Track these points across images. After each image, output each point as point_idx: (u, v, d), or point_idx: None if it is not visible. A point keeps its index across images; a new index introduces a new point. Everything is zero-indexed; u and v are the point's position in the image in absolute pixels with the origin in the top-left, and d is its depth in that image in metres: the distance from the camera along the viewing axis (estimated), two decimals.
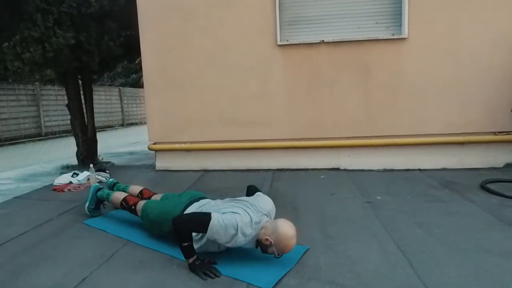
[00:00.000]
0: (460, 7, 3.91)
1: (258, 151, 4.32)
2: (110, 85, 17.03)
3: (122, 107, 15.60)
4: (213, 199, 2.40)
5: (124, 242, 2.37)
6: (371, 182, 3.69)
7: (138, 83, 18.75)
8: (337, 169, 4.29)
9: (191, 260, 1.95)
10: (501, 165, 4.07)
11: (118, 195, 2.67)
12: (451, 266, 1.94)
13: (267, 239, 1.92)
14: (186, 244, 1.93)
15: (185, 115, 4.40)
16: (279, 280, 1.82)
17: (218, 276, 1.88)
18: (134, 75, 19.05)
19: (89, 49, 4.65)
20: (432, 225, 2.52)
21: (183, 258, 2.04)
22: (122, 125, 15.58)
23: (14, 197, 3.62)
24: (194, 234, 2.02)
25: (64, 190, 3.72)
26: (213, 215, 1.91)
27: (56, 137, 11.47)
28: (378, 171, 4.17)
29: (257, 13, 4.14)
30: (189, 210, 2.22)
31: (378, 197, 3.17)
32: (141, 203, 2.47)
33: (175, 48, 4.30)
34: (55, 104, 11.58)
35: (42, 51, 4.26)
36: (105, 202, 2.87)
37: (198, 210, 2.18)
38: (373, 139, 4.14)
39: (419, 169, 4.13)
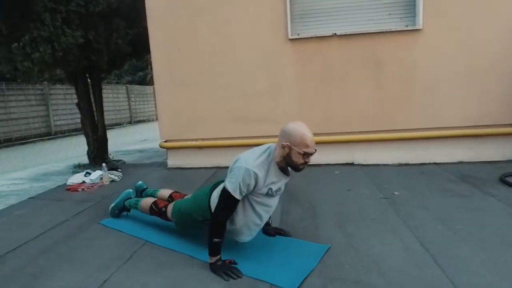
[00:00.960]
0: None
1: None
2: (117, 83, 17.04)
3: (129, 104, 15.63)
4: None
5: (142, 243, 2.35)
6: (386, 177, 3.62)
7: (145, 81, 18.79)
8: (351, 164, 4.23)
9: (214, 260, 1.92)
10: None
11: (148, 200, 2.55)
12: (479, 264, 1.89)
13: (283, 146, 1.83)
14: (217, 240, 1.89)
15: (196, 113, 4.37)
16: (303, 280, 1.79)
17: (240, 277, 1.85)
18: (140, 73, 19.06)
19: (98, 47, 4.63)
20: (454, 221, 2.46)
21: (202, 258, 2.03)
22: (130, 122, 15.63)
23: (28, 198, 3.63)
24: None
25: (78, 189, 3.71)
26: (227, 186, 1.84)
27: (66, 136, 11.54)
28: (393, 165, 4.10)
29: (266, 6, 4.07)
30: (215, 194, 2.07)
31: (395, 193, 3.11)
32: (171, 204, 2.36)
33: (184, 45, 4.26)
34: (63, 103, 11.64)
35: (51, 51, 4.25)
36: (129, 212, 2.81)
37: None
38: (387, 133, 4.07)
39: (435, 163, 4.05)
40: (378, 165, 4.14)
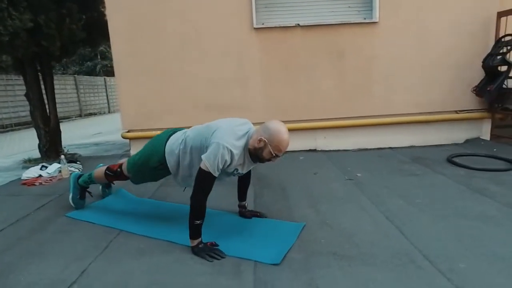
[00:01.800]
0: None
1: None
2: (63, 73, 15.95)
3: (78, 96, 14.70)
4: None
5: (116, 232, 2.29)
6: (348, 161, 3.84)
7: (94, 71, 17.77)
8: (314, 150, 4.42)
9: (195, 242, 1.95)
10: (462, 141, 4.42)
11: (100, 169, 2.57)
12: (437, 231, 2.12)
13: (260, 140, 1.90)
14: (198, 222, 1.92)
15: (160, 101, 4.27)
16: (285, 256, 1.88)
17: (223, 257, 1.89)
18: (89, 63, 18.00)
19: (49, 32, 4.32)
20: (412, 196, 2.70)
21: (182, 242, 2.04)
22: (80, 115, 14.73)
23: None
24: None
25: (35, 183, 3.48)
26: (203, 162, 1.88)
27: (8, 131, 10.61)
28: (353, 150, 4.35)
29: None
30: (172, 140, 2.19)
31: (358, 175, 3.33)
32: (124, 162, 2.42)
33: (147, 32, 4.12)
34: (4, 95, 10.65)
35: None
36: (90, 191, 2.75)
37: (182, 139, 2.14)
38: (347, 120, 4.30)
39: (390, 147, 4.37)
40: (339, 150, 4.37)
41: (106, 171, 2.50)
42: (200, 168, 1.90)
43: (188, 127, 4.18)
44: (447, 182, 3.03)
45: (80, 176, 2.70)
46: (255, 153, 1.97)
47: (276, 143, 1.89)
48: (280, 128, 1.90)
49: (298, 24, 4.08)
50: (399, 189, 2.87)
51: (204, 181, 1.91)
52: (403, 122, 4.30)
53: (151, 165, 2.23)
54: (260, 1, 4.10)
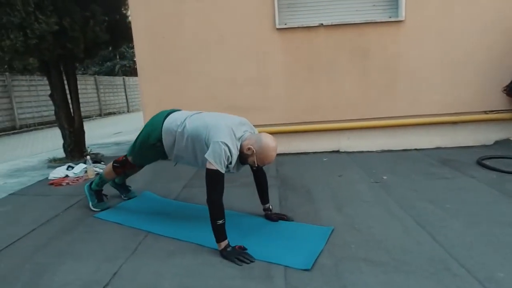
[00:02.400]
0: None
1: None
2: (83, 73, 16.31)
3: (98, 96, 15.01)
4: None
5: (144, 234, 2.31)
6: (373, 163, 3.77)
7: (113, 71, 18.11)
8: (337, 151, 4.36)
9: (223, 245, 1.95)
10: (491, 143, 4.27)
11: (107, 166, 2.73)
12: (471, 238, 2.05)
13: (249, 148, 2.02)
14: (220, 221, 1.93)
15: (181, 101, 4.27)
16: (315, 261, 1.85)
17: (252, 261, 1.88)
18: (108, 63, 18.35)
19: (73, 35, 4.40)
20: (442, 201, 2.62)
21: (210, 245, 2.04)
22: (100, 115, 15.03)
23: (9, 194, 3.43)
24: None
25: (62, 183, 3.57)
26: (212, 164, 1.96)
27: (32, 130, 10.91)
28: (377, 152, 4.27)
29: None
30: (169, 119, 2.32)
31: (384, 177, 3.26)
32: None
33: (169, 32, 4.15)
34: (28, 96, 10.97)
35: (23, 38, 4.00)
36: (105, 193, 2.86)
37: (180, 123, 2.25)
38: (371, 121, 4.22)
39: (416, 149, 4.27)
40: (363, 152, 4.29)
41: (113, 164, 2.64)
42: (207, 169, 1.98)
43: None
44: (478, 185, 2.93)
45: (91, 183, 2.82)
46: (241, 155, 2.09)
47: (262, 156, 2.02)
48: (270, 145, 2.01)
49: (322, 24, 4.02)
50: (428, 193, 2.80)
51: (214, 180, 1.98)
52: (429, 123, 4.19)
53: (150, 142, 2.37)
54: (282, 1, 4.07)
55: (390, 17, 4.04)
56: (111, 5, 5.04)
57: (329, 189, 3.01)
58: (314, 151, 4.32)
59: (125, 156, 2.60)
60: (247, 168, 2.35)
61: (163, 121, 2.33)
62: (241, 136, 2.08)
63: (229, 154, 1.99)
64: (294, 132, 4.28)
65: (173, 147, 2.30)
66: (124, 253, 2.07)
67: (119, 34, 5.22)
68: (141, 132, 2.48)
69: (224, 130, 2.04)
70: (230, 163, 2.03)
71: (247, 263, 1.87)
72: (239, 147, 2.06)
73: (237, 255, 1.91)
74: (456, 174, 3.27)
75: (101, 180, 2.77)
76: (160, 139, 2.31)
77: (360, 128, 4.24)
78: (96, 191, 2.80)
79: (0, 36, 3.97)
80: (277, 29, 4.06)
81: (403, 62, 4.12)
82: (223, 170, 1.98)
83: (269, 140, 2.02)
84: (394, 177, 3.24)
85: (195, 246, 2.10)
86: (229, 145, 1.98)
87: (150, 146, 2.38)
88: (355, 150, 4.31)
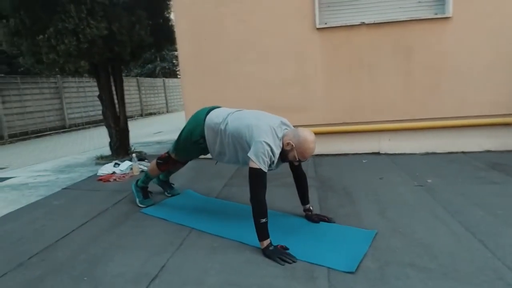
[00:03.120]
0: None
1: None
2: (126, 75, 17.06)
3: (140, 97, 15.66)
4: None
5: (188, 230, 2.40)
6: (415, 166, 3.65)
7: (154, 73, 18.82)
8: (377, 153, 4.25)
9: (265, 244, 1.97)
10: None
11: (152, 164, 2.85)
12: None
13: (288, 143, 2.07)
14: (263, 220, 1.97)
15: (222, 102, 4.34)
16: (359, 264, 1.83)
17: (295, 261, 1.89)
18: (149, 65, 19.10)
19: (121, 39, 4.64)
20: (493, 206, 2.49)
21: (252, 243, 2.07)
22: (141, 115, 15.67)
23: (63, 188, 3.70)
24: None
25: (110, 180, 3.77)
26: (255, 163, 2.00)
27: (79, 129, 11.62)
28: (420, 154, 4.12)
29: None
30: (212, 116, 2.41)
31: (428, 180, 3.14)
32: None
33: (210, 34, 4.26)
34: (76, 96, 11.69)
35: (76, 43, 4.27)
36: (151, 191, 3.00)
37: (222, 120, 2.32)
38: (414, 122, 4.07)
39: (463, 152, 4.07)
40: (404, 154, 4.16)
41: (157, 161, 2.75)
42: (250, 168, 2.03)
43: None
44: None
45: (137, 181, 2.97)
46: (282, 153, 2.12)
47: (302, 150, 2.05)
48: (308, 138, 2.05)
49: (363, 23, 3.94)
50: (477, 198, 2.66)
51: (257, 179, 2.02)
52: (478, 124, 3.97)
53: (193, 139, 2.47)
54: (323, 0, 4.03)
55: (436, 14, 3.88)
56: (155, 10, 5.26)
57: (370, 191, 2.95)
58: (353, 152, 4.24)
59: (168, 152, 2.72)
60: (287, 167, 2.37)
61: (205, 117, 2.42)
62: (282, 135, 2.12)
63: (271, 153, 2.03)
64: (333, 133, 4.23)
65: (215, 144, 2.38)
66: (170, 247, 2.16)
67: (162, 37, 5.45)
68: (183, 129, 2.58)
69: (267, 129, 2.08)
70: (273, 162, 2.07)
71: (289, 263, 1.88)
72: (281, 146, 2.10)
73: (280, 255, 1.93)
74: (507, 179, 3.08)
75: (147, 177, 2.90)
76: (203, 136, 2.41)
77: (402, 129, 4.11)
78: (142, 188, 2.94)
79: (55, 41, 4.27)
80: (317, 28, 4.04)
81: (449, 61, 3.93)
82: (265, 169, 2.02)
83: (306, 133, 2.06)
84: (439, 181, 3.12)
85: (238, 244, 2.15)
86: (271, 144, 2.03)
87: (193, 143, 2.49)
88: (396, 152, 4.18)
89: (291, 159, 2.13)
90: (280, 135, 2.11)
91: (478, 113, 3.97)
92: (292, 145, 2.05)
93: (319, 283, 1.70)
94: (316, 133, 4.12)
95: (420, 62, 3.98)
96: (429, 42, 3.91)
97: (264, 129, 2.09)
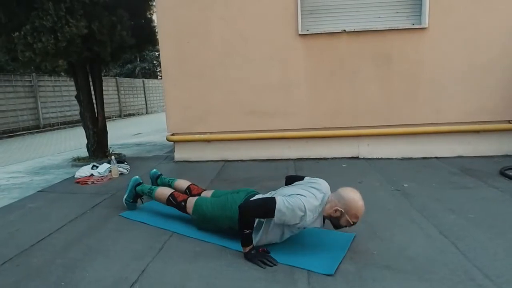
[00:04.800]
0: None
1: (278, 141, 4.35)
2: (105, 75, 16.70)
3: (119, 97, 15.35)
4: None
5: (169, 234, 2.38)
6: (393, 170, 3.76)
7: (133, 73, 18.50)
8: (357, 158, 4.35)
9: (248, 249, 1.99)
10: None
11: (165, 191, 2.57)
12: (496, 249, 2.03)
13: (336, 210, 1.95)
14: (248, 231, 1.96)
15: (205, 106, 4.38)
16: (338, 266, 1.87)
17: (275, 264, 1.92)
18: (129, 65, 18.77)
19: (101, 39, 4.55)
20: (465, 210, 2.60)
21: (235, 248, 2.09)
22: (120, 116, 15.37)
23: (38, 191, 3.58)
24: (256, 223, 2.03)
25: (88, 182, 3.69)
26: (278, 199, 1.91)
27: (55, 129, 11.26)
28: (396, 159, 4.25)
29: (278, 2, 4.11)
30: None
31: (405, 185, 3.25)
32: (192, 200, 2.40)
33: (194, 37, 4.25)
34: (52, 96, 11.34)
35: (54, 41, 4.16)
36: (143, 197, 2.84)
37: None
38: (392, 128, 4.21)
39: (436, 157, 4.23)
40: (382, 158, 4.28)
41: (170, 198, 2.50)
42: (274, 198, 1.92)
43: (231, 132, 4.31)
44: (501, 196, 2.89)
45: (139, 184, 2.78)
46: (332, 221, 2.02)
47: (354, 212, 1.94)
48: (355, 197, 1.94)
49: (344, 30, 4.05)
50: (450, 202, 2.78)
51: (264, 208, 1.94)
52: (451, 131, 4.15)
53: (219, 225, 2.26)
54: (305, 8, 4.11)
55: (413, 24, 4.03)
56: (137, 10, 5.19)
57: None
58: (333, 156, 4.32)
59: (185, 201, 2.43)
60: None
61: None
62: (322, 203, 1.99)
63: (295, 216, 1.88)
64: (314, 138, 4.30)
65: (259, 233, 2.07)
66: (151, 252, 2.14)
67: (144, 38, 5.38)
68: (212, 208, 2.28)
69: (308, 198, 1.95)
70: (297, 224, 1.93)
71: (270, 266, 1.91)
72: (320, 212, 1.98)
73: (261, 258, 1.95)
74: (479, 183, 3.23)
75: (149, 194, 2.66)
76: (232, 227, 2.13)
77: (381, 134, 4.23)
78: (137, 194, 2.78)
79: (32, 39, 4.14)
80: (300, 35, 4.11)
81: (425, 69, 4.09)
82: (275, 211, 1.88)
83: (351, 194, 1.96)
84: (415, 185, 3.23)
85: (219, 248, 2.15)
86: (306, 210, 1.88)
87: (218, 227, 2.27)
88: (374, 156, 4.30)
89: (344, 224, 1.98)
90: (321, 204, 1.98)
91: (452, 120, 4.15)
92: (341, 211, 1.93)
93: (299, 286, 1.73)
94: (298, 138, 4.26)
95: (398, 70, 4.12)
96: (407, 51, 4.06)
97: (306, 196, 1.95)
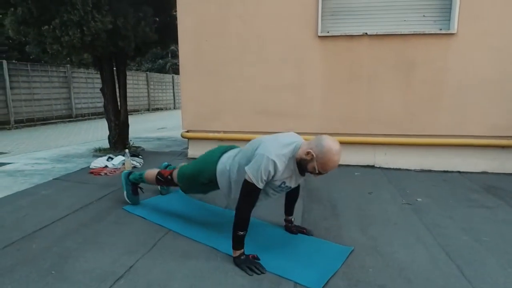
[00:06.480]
0: None
1: None
2: (137, 69, 17.23)
3: (148, 92, 15.78)
4: None
5: (165, 231, 2.38)
6: (408, 183, 3.58)
7: (164, 69, 18.96)
8: (372, 166, 4.18)
9: (238, 253, 1.95)
10: None
11: (152, 172, 2.68)
12: (506, 278, 1.86)
13: (308, 153, 1.82)
14: (242, 233, 1.92)
15: (219, 104, 4.38)
16: (327, 281, 1.79)
17: (263, 273, 1.86)
18: (160, 61, 19.26)
19: (125, 34, 4.67)
20: (479, 232, 2.41)
21: (225, 251, 2.05)
22: (148, 110, 15.80)
23: (53, 179, 3.72)
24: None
25: (101, 173, 3.79)
26: (249, 175, 1.85)
27: (86, 119, 11.76)
28: (415, 171, 4.04)
29: (298, 1, 4.02)
30: (225, 156, 2.19)
31: (418, 199, 3.07)
32: (176, 170, 2.48)
33: (212, 35, 4.26)
34: (85, 87, 11.84)
35: (80, 35, 4.30)
36: (141, 186, 2.88)
37: (233, 158, 2.12)
38: (412, 138, 4.00)
39: (459, 171, 3.98)
40: (399, 169, 4.08)
41: (158, 176, 2.58)
42: (244, 180, 1.89)
43: (244, 132, 4.29)
44: None
45: (130, 173, 2.86)
46: (300, 164, 1.89)
47: (324, 161, 1.79)
48: (333, 148, 1.78)
49: (366, 33, 3.89)
50: (465, 222, 2.59)
51: (248, 193, 1.90)
52: (476, 144, 3.88)
53: (200, 181, 2.26)
54: (326, 8, 3.99)
55: (440, 29, 3.81)
56: (162, 7, 5.28)
57: (356, 206, 2.89)
58: (347, 163, 4.18)
59: (171, 174, 2.50)
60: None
61: (217, 161, 2.19)
62: (293, 143, 1.91)
63: (271, 169, 1.82)
64: None
65: (230, 188, 2.11)
66: (143, 248, 2.14)
67: (168, 35, 5.46)
68: (192, 167, 2.34)
69: (272, 143, 1.90)
70: (273, 176, 1.87)
71: (258, 274, 1.85)
72: (291, 156, 1.89)
73: (249, 264, 1.90)
74: (500, 203, 2.99)
75: (141, 178, 2.75)
76: (212, 180, 2.18)
77: (399, 144, 4.04)
78: (133, 184, 2.84)
79: (60, 33, 4.31)
80: (319, 36, 4.00)
81: (451, 78, 3.86)
82: (259, 185, 1.86)
83: (331, 143, 1.79)
84: (430, 200, 3.04)
85: (210, 250, 2.12)
86: (273, 158, 1.82)
87: (200, 184, 2.28)
88: (391, 166, 4.11)
89: (311, 170, 1.86)
90: (290, 147, 1.89)
91: (477, 133, 3.88)
92: (313, 155, 1.80)
93: None
94: None
95: (421, 77, 3.91)
96: (432, 58, 3.84)
97: (269, 143, 1.90)
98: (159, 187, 3.08)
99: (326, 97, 4.14)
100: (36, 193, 3.24)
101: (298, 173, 1.96)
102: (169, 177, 2.51)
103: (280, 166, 1.85)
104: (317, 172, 1.84)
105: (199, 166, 2.30)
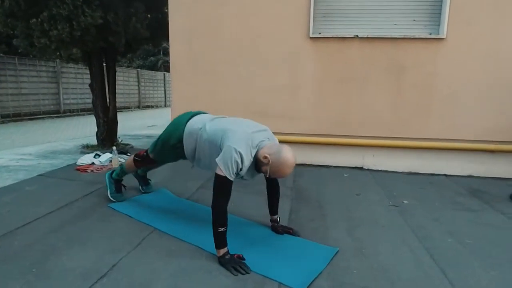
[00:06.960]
0: (503, 7, 3.71)
1: None
2: (128, 66, 17.05)
3: (139, 89, 15.64)
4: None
5: (150, 230, 2.36)
6: (396, 185, 3.61)
7: (155, 66, 18.79)
8: (361, 168, 4.21)
9: (222, 252, 1.93)
10: None
11: (129, 158, 2.79)
12: (488, 281, 1.88)
13: (265, 157, 1.94)
14: (222, 229, 1.91)
15: (210, 103, 4.34)
16: (312, 282, 1.79)
17: (248, 273, 1.85)
18: (152, 58, 19.08)
19: (116, 29, 4.61)
20: (464, 235, 2.44)
21: (210, 250, 2.03)
22: (139, 107, 15.66)
23: (38, 175, 3.65)
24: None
25: (87, 170, 3.73)
26: (221, 170, 1.92)
27: (74, 115, 11.59)
28: (402, 173, 4.08)
29: (291, 2, 4.02)
30: (192, 122, 2.30)
31: (405, 201, 3.10)
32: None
33: (205, 34, 4.23)
34: (74, 83, 11.68)
35: (69, 30, 4.23)
36: (125, 185, 2.92)
37: (201, 127, 2.22)
38: (400, 141, 4.04)
39: (445, 175, 4.03)
40: (387, 171, 4.12)
41: (135, 158, 2.68)
42: (216, 174, 1.95)
43: None
44: (507, 223, 2.70)
45: (112, 172, 2.89)
46: (256, 162, 2.03)
47: (276, 170, 1.95)
48: (289, 160, 1.92)
49: (357, 36, 3.92)
50: (449, 224, 2.62)
51: (221, 186, 1.94)
52: (463, 148, 3.94)
53: (171, 143, 2.36)
54: (318, 10, 4.00)
55: (430, 34, 3.85)
56: (154, 4, 5.23)
57: (343, 207, 2.91)
58: (336, 165, 4.20)
59: (146, 151, 2.62)
60: (261, 176, 2.31)
61: (186, 122, 2.32)
62: (259, 143, 2.01)
63: (239, 161, 1.91)
64: (318, 144, 4.19)
65: (193, 151, 2.27)
66: (127, 246, 2.11)
67: (160, 32, 5.41)
68: (164, 131, 2.47)
69: (241, 135, 1.99)
70: (241, 169, 1.97)
71: (243, 274, 1.84)
72: (253, 155, 1.99)
73: (234, 264, 1.89)
74: (485, 207, 3.04)
75: (122, 171, 2.82)
76: (180, 141, 2.30)
77: (388, 146, 4.07)
78: (116, 181, 2.86)
79: (48, 26, 4.23)
80: (310, 37, 4.01)
81: (441, 82, 3.90)
82: (231, 177, 1.93)
83: (289, 155, 1.91)
84: (416, 203, 3.08)
85: (196, 249, 2.11)
86: (241, 152, 1.91)
87: (170, 147, 2.37)
88: (379, 168, 4.14)
89: (263, 171, 2.01)
90: (256, 142, 1.99)
91: (465, 137, 3.94)
92: (269, 161, 1.92)
93: None
94: (301, 143, 4.16)
95: (411, 81, 3.94)
96: (422, 62, 3.88)
97: (238, 134, 1.99)
98: (140, 187, 3.11)
99: (317, 99, 4.15)
100: (20, 189, 3.18)
101: (254, 168, 2.08)
102: (144, 154, 2.62)
103: (246, 161, 1.95)
104: (267, 176, 2.01)
105: (168, 129, 2.42)
